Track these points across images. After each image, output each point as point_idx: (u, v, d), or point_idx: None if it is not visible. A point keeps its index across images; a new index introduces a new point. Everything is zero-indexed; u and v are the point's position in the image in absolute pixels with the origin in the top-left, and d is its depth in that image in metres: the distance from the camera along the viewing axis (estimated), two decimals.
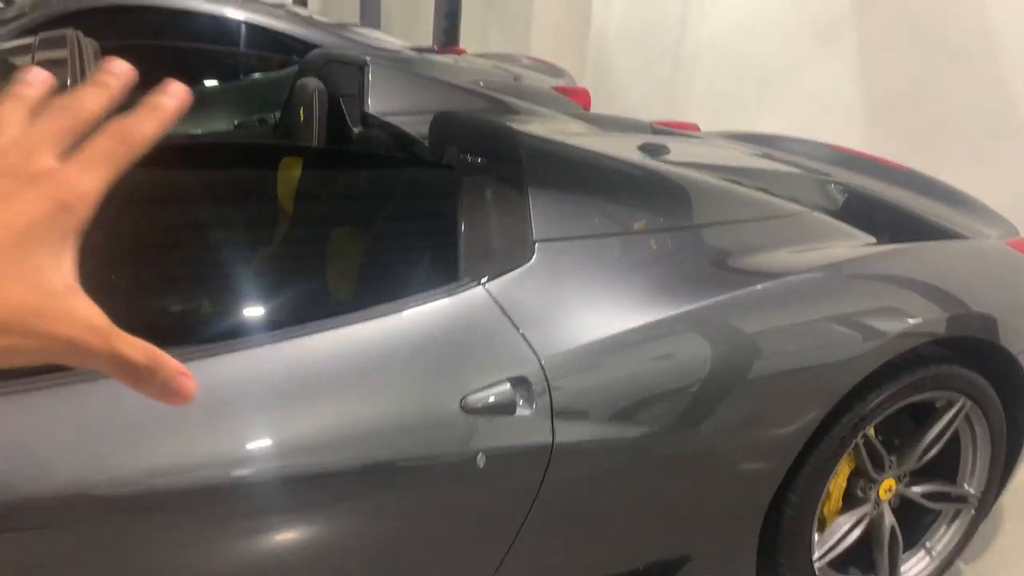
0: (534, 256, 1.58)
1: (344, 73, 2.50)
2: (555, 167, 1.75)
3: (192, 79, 3.06)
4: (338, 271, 1.77)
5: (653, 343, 1.59)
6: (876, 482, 1.96)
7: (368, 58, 2.48)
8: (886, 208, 2.35)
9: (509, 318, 1.51)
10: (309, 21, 4.95)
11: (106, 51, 3.63)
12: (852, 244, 2.00)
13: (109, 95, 0.48)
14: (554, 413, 1.49)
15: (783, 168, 2.51)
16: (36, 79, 0.49)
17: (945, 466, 2.09)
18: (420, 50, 5.18)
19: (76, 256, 0.45)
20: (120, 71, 0.49)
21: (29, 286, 0.42)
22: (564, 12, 6.65)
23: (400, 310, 1.47)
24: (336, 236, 1.83)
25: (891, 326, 1.78)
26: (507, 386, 1.46)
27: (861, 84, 4.71)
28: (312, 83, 2.38)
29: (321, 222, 1.85)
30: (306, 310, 1.64)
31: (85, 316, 0.44)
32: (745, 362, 1.65)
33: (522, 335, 1.51)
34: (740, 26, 5.51)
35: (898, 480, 2.00)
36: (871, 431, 1.92)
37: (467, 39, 8.13)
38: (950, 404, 1.96)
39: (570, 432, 1.51)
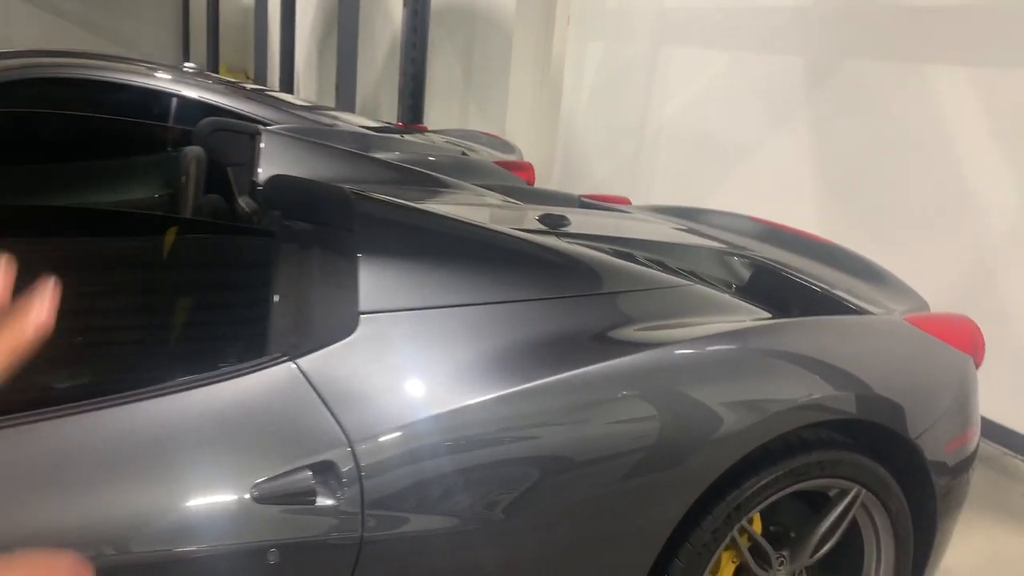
0: (357, 329, 1.45)
1: (234, 142, 2.42)
2: (396, 235, 1.63)
3: (135, 151, 3.00)
4: (142, 345, 1.64)
5: (488, 424, 1.44)
6: None
7: (261, 127, 2.41)
8: (792, 284, 2.22)
9: (320, 397, 1.37)
10: (273, 102, 4.93)
11: (70, 121, 3.53)
12: (737, 318, 1.87)
13: None
14: (364, 504, 1.34)
15: (687, 241, 2.40)
16: None
17: (851, 563, 1.91)
18: (381, 128, 5.17)
19: None
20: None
21: None
22: (537, 95, 6.71)
23: (194, 386, 1.33)
24: (146, 308, 1.71)
25: (765, 406, 1.63)
26: (307, 473, 1.32)
27: (814, 161, 4.65)
28: (192, 151, 2.30)
29: (138, 295, 1.73)
30: (97, 386, 1.51)
31: None
32: (591, 443, 1.49)
33: (333, 416, 1.36)
34: (698, 106, 5.50)
35: None
36: (756, 523, 1.76)
37: (449, 118, 8.24)
38: (844, 493, 1.79)
39: (383, 525, 1.35)
